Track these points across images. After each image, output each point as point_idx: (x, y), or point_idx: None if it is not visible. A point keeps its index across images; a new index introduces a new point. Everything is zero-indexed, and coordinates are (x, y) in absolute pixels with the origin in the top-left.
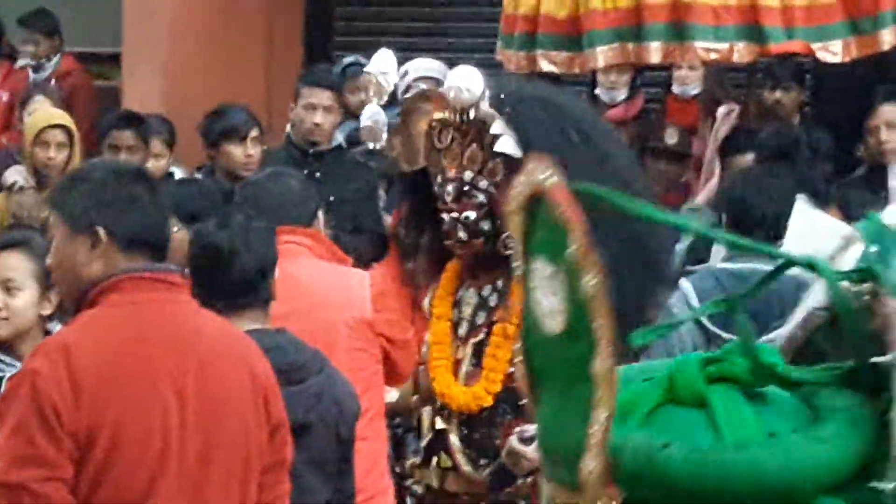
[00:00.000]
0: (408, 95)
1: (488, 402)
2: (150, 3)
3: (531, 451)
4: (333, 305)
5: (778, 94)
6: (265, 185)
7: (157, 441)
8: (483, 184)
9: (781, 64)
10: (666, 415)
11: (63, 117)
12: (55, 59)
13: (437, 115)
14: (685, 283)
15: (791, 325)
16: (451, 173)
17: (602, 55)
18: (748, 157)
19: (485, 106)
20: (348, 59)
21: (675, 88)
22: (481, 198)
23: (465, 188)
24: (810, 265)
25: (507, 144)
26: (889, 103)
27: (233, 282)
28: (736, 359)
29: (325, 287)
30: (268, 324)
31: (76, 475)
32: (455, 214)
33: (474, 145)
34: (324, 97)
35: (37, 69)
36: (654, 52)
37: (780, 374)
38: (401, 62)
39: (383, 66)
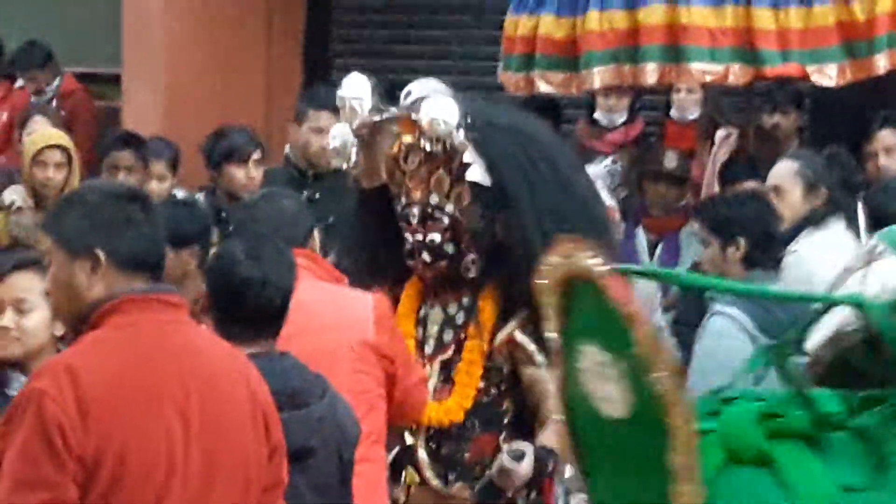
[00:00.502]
0: (376, 118)
1: (459, 417)
2: (150, 23)
3: (522, 468)
4: (336, 327)
5: (776, 117)
6: (259, 207)
7: (162, 462)
8: (449, 208)
9: (780, 88)
10: (731, 478)
11: (61, 137)
12: (55, 83)
13: (406, 138)
14: (736, 312)
15: (816, 342)
16: (417, 196)
17: (598, 76)
18: (749, 186)
19: (458, 135)
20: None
21: (674, 113)
22: (446, 221)
23: (431, 211)
24: (857, 303)
25: (477, 173)
26: (886, 129)
27: (258, 312)
28: (794, 411)
29: (327, 309)
30: (274, 347)
31: (82, 498)
32: (419, 237)
33: (441, 170)
34: (332, 120)
35: (38, 92)
36: (651, 73)
37: (843, 424)
38: (401, 84)
39: (356, 91)
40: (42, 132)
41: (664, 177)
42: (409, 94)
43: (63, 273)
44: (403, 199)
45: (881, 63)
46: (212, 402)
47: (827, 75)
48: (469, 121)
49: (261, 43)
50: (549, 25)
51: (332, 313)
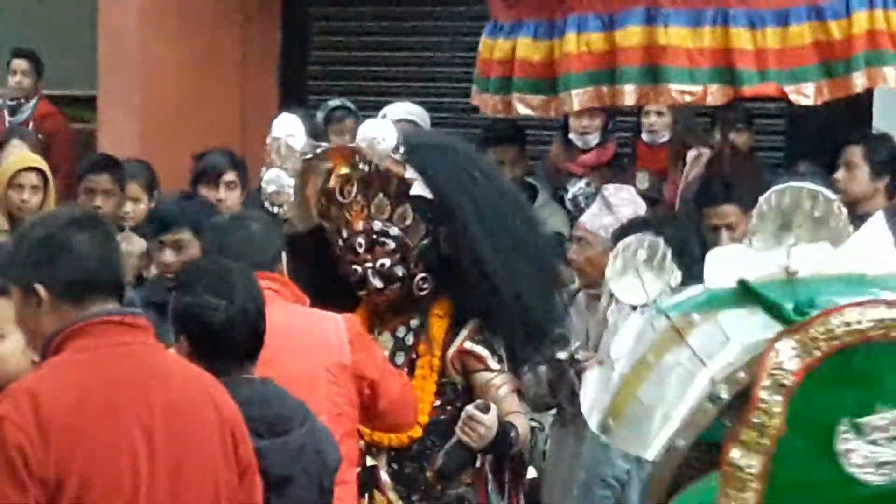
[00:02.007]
0: (307, 156)
1: (418, 433)
2: (126, 45)
3: (487, 419)
4: (311, 351)
5: (734, 135)
6: (227, 230)
7: (126, 484)
8: (393, 231)
9: (730, 107)
10: None
11: (37, 160)
12: (32, 102)
13: (341, 170)
14: None
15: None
16: (360, 225)
17: (577, 98)
18: (726, 209)
19: (395, 155)
20: (334, 103)
21: (644, 136)
22: (392, 245)
23: (376, 237)
24: None
25: (420, 187)
26: (853, 145)
27: (239, 348)
28: None
29: (300, 332)
30: (253, 374)
31: None
32: (369, 264)
33: (380, 195)
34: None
35: (13, 112)
36: (629, 94)
37: None
38: (375, 105)
39: (290, 130)
40: (18, 155)
41: None
42: (384, 116)
43: (20, 310)
44: (345, 232)
45: (859, 82)
46: (177, 421)
47: (804, 94)
48: (403, 142)
49: (237, 66)
50: (527, 48)
51: (305, 337)
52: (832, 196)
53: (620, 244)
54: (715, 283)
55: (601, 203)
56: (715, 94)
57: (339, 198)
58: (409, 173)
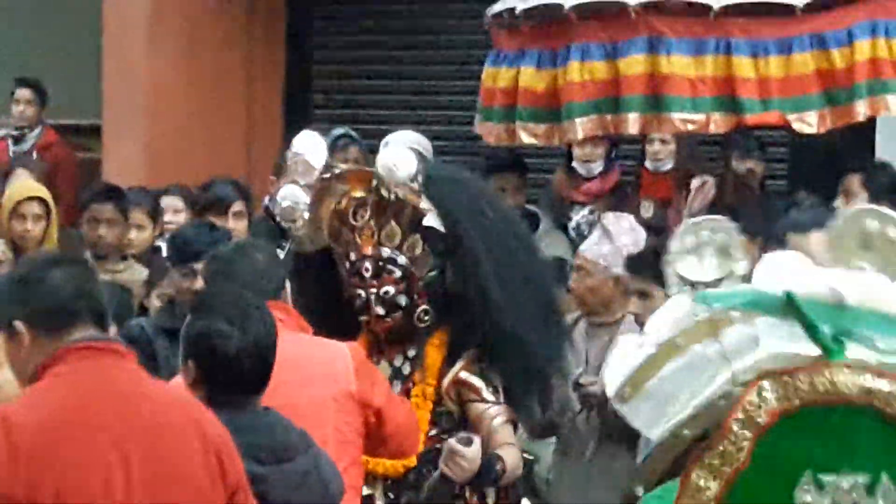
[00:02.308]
0: (325, 175)
1: (413, 462)
2: (130, 74)
3: (469, 452)
4: (319, 380)
5: (750, 163)
6: (233, 260)
7: (99, 498)
8: (401, 259)
9: (744, 135)
10: None
11: (39, 190)
12: (36, 132)
13: (356, 192)
14: None
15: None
16: (369, 250)
17: (581, 126)
18: None
19: (413, 184)
20: (338, 132)
21: (648, 164)
22: (399, 273)
23: (383, 264)
24: None
25: (433, 219)
26: (853, 174)
27: (251, 379)
28: None
29: (308, 361)
30: (258, 404)
31: None
32: (373, 290)
33: (392, 222)
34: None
35: (17, 141)
36: (632, 123)
37: None
38: (378, 134)
39: (311, 146)
40: (21, 184)
41: (641, 226)
42: (386, 144)
43: (6, 350)
44: (353, 255)
45: (861, 110)
46: (157, 446)
47: (807, 123)
48: (420, 172)
49: (242, 94)
50: (530, 77)
51: (312, 365)
52: None
53: (691, 221)
54: (764, 286)
55: (600, 232)
56: (718, 123)
57: (352, 220)
58: (424, 204)
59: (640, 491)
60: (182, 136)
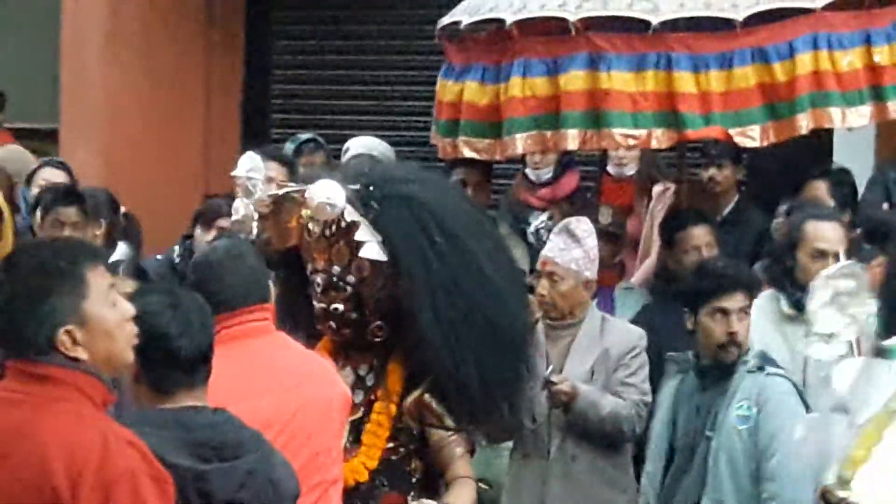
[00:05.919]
0: (279, 193)
1: (364, 476)
2: (88, 78)
3: None
4: (320, 380)
5: (711, 171)
6: (229, 268)
7: None
8: (350, 279)
9: (715, 142)
10: None
11: None
12: None
13: (306, 211)
14: None
15: None
16: (321, 265)
17: (521, 143)
18: (697, 230)
19: (349, 213)
20: (305, 136)
21: (611, 169)
22: (349, 291)
23: (335, 281)
24: None
25: (371, 251)
26: (819, 180)
27: (191, 358)
28: None
29: (308, 362)
30: (205, 400)
31: None
32: (324, 305)
33: (341, 242)
34: (280, 172)
35: None
36: (572, 139)
37: None
38: (338, 140)
39: (250, 171)
40: None
41: (598, 233)
42: (346, 150)
43: None
44: (310, 267)
45: (803, 123)
46: None
47: (750, 137)
48: (368, 192)
49: (199, 99)
50: (474, 92)
51: (313, 367)
52: None
53: (824, 273)
54: None
55: (566, 237)
56: (659, 139)
57: (307, 236)
58: (362, 234)
59: None
60: (139, 141)
